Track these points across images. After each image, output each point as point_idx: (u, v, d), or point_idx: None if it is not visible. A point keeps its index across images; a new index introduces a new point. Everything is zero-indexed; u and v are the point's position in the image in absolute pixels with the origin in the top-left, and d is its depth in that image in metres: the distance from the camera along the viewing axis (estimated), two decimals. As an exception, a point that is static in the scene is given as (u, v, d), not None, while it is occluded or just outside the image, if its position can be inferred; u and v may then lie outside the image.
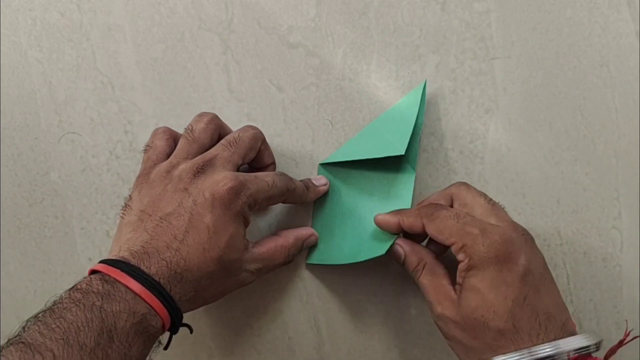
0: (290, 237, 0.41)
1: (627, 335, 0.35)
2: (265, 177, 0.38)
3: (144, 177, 0.38)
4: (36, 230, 0.46)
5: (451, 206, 0.39)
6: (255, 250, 0.39)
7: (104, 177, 0.46)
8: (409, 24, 0.44)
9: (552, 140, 0.44)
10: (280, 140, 0.45)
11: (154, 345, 0.35)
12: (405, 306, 0.45)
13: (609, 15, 0.43)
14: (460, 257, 0.35)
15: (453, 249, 0.36)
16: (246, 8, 0.44)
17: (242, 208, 0.36)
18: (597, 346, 0.34)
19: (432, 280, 0.38)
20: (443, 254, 0.40)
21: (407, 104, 0.43)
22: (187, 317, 0.45)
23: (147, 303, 0.33)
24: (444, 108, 0.44)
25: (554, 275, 0.36)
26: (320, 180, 0.44)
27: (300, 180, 0.42)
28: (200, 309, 0.45)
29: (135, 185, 0.39)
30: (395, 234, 0.40)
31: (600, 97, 0.43)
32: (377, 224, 0.40)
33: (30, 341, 0.29)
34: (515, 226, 0.36)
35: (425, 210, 0.38)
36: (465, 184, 0.39)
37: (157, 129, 0.41)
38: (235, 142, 0.39)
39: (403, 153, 0.39)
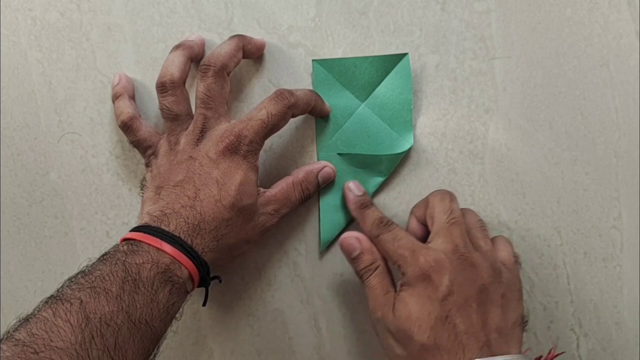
0: (299, 172, 0.42)
1: (555, 350, 0.37)
2: (258, 113, 0.39)
3: (151, 163, 0.42)
4: (36, 230, 0.46)
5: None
6: (268, 194, 0.41)
7: (104, 177, 0.46)
8: (409, 23, 0.44)
9: (552, 140, 0.44)
10: (281, 141, 0.45)
11: (186, 299, 0.37)
12: (405, 306, 0.45)
13: (609, 15, 0.43)
14: (400, 272, 0.38)
15: (397, 266, 0.38)
16: (246, 8, 0.44)
17: (246, 156, 0.39)
18: None
19: (381, 283, 0.39)
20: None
21: (398, 84, 0.43)
22: (187, 316, 0.46)
23: (170, 255, 0.35)
24: (444, 108, 0.44)
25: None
26: None
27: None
28: (202, 310, 0.45)
29: (146, 171, 0.42)
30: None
31: (600, 97, 0.43)
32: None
33: (61, 295, 0.32)
34: (455, 249, 0.37)
35: (374, 231, 0.39)
36: (441, 194, 0.39)
37: (120, 123, 0.42)
38: (209, 97, 0.40)
39: (412, 145, 0.43)
